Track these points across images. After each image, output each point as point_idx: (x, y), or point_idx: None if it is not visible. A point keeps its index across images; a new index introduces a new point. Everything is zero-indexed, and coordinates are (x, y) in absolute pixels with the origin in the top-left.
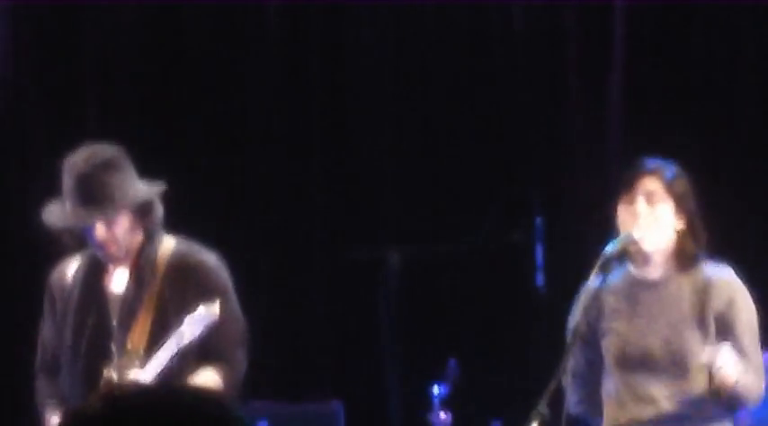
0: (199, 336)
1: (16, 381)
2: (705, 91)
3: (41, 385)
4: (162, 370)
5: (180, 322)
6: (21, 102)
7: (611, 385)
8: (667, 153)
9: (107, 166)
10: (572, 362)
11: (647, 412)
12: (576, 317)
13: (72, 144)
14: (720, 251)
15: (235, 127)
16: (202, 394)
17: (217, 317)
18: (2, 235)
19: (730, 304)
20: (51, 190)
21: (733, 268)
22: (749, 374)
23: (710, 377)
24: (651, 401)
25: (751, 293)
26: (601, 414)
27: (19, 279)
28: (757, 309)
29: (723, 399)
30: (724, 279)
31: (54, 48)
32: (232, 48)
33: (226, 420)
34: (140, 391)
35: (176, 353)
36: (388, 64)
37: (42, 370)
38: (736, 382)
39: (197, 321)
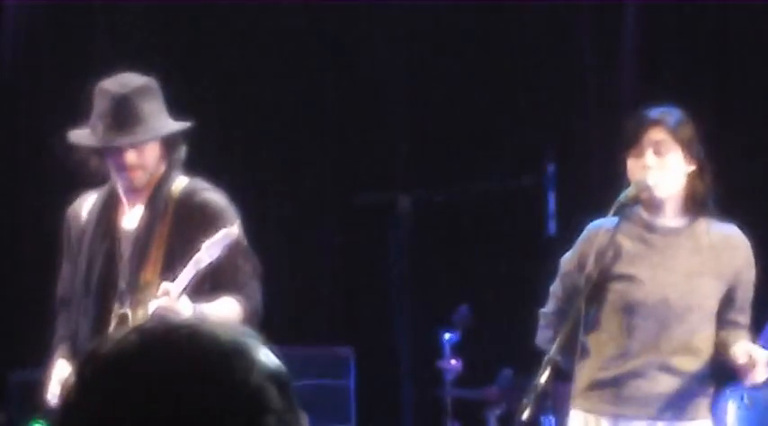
0: (217, 259)
1: (29, 325)
2: (720, 34)
3: (59, 322)
4: (184, 291)
5: (188, 258)
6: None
7: (607, 330)
8: (680, 99)
9: (143, 92)
10: (560, 297)
11: (643, 361)
12: (575, 254)
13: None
14: (728, 212)
15: (245, 76)
16: (232, 327)
17: (236, 237)
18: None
19: (746, 262)
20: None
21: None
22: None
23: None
24: (654, 349)
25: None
26: (573, 355)
27: (30, 222)
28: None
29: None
30: (740, 237)
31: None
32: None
33: (254, 352)
34: (173, 325)
35: (194, 278)
36: (403, 11)
37: (61, 306)
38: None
39: (215, 243)
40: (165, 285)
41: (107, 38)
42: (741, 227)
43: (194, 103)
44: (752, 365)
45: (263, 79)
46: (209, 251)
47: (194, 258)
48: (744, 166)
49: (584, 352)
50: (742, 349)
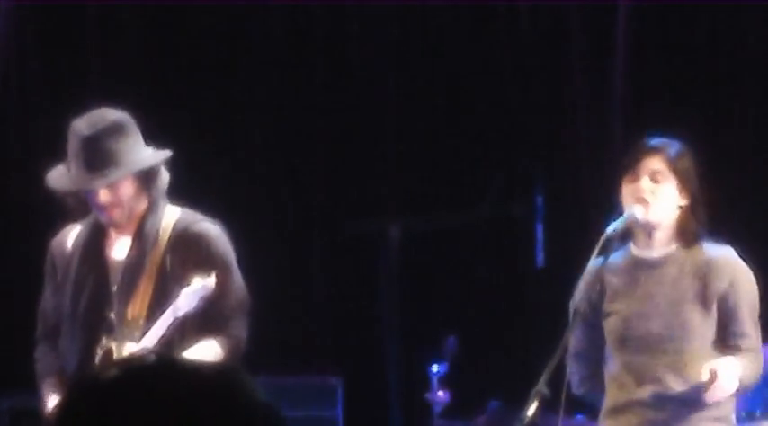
0: (195, 308)
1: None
2: (708, 71)
3: (40, 355)
4: (159, 341)
5: (175, 295)
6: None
7: (612, 365)
8: (669, 131)
9: (113, 130)
10: (574, 342)
11: (647, 393)
12: (577, 296)
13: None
14: (722, 231)
15: (237, 98)
16: (210, 365)
17: (212, 290)
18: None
19: (732, 284)
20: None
21: (735, 248)
22: (747, 363)
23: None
24: (652, 382)
25: (754, 272)
26: (603, 392)
27: (21, 246)
28: (760, 289)
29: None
30: (726, 259)
31: (57, 45)
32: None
33: (238, 389)
34: (151, 361)
35: (173, 324)
36: (393, 31)
37: (42, 339)
38: (735, 390)
39: (192, 293)
40: (145, 341)
41: (99, 42)
42: (739, 234)
43: (185, 128)
44: (711, 381)
45: (253, 104)
46: (186, 299)
47: (172, 306)
48: (739, 168)
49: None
50: (707, 366)
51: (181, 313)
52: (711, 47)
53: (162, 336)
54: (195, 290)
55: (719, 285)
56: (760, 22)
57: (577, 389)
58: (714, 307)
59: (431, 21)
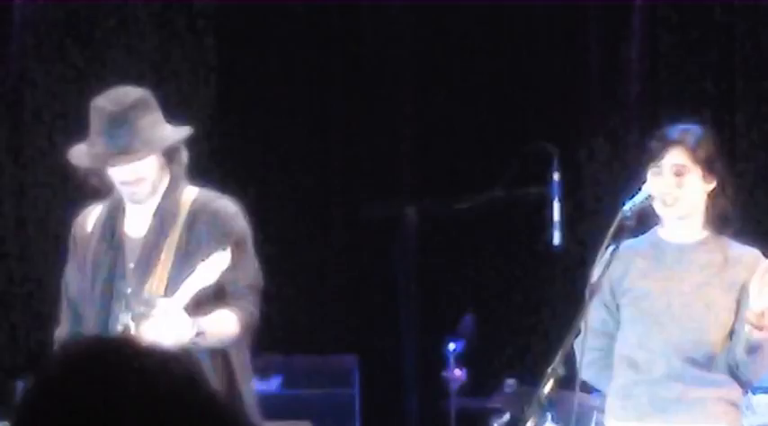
0: (212, 282)
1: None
2: (725, 43)
3: (60, 333)
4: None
5: (193, 270)
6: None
7: (625, 345)
8: (684, 110)
9: (137, 107)
10: (588, 321)
11: (660, 372)
12: (595, 275)
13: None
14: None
15: (254, 82)
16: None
17: (227, 265)
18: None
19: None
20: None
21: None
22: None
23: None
24: (666, 361)
25: None
26: (610, 376)
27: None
28: None
29: (752, 344)
30: (754, 255)
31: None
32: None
33: (199, 377)
34: (102, 350)
35: (191, 298)
36: (411, 16)
37: (68, 305)
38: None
39: (210, 267)
40: (163, 301)
41: (114, 37)
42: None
43: (200, 112)
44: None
45: (270, 89)
46: (204, 273)
47: (191, 278)
48: (747, 167)
49: (612, 365)
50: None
51: (198, 287)
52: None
53: (184, 307)
54: (213, 264)
55: (746, 277)
56: None
57: (585, 370)
58: (735, 298)
59: (449, 7)
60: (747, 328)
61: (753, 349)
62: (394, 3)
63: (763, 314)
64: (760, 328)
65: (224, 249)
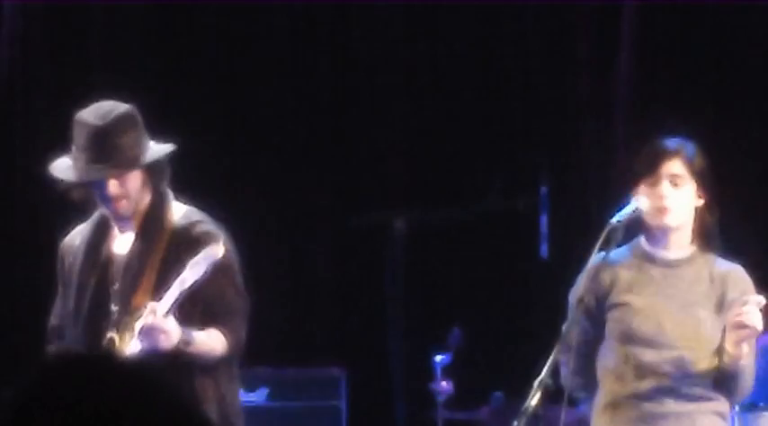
0: (203, 276)
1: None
2: (715, 65)
3: (49, 352)
4: (170, 309)
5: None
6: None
7: (610, 359)
8: (674, 122)
9: (122, 122)
10: (574, 334)
11: (648, 386)
12: (580, 288)
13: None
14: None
15: (240, 93)
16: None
17: (220, 257)
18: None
19: (743, 296)
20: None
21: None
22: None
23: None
24: (654, 376)
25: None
26: (594, 388)
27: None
28: None
29: (729, 371)
30: (740, 273)
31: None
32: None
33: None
34: (84, 365)
35: (179, 298)
36: (398, 28)
37: (52, 337)
38: (760, 331)
39: (200, 261)
40: (152, 304)
41: (103, 40)
42: (743, 235)
43: (190, 122)
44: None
45: (256, 98)
46: (192, 269)
47: (179, 277)
48: (742, 167)
49: (596, 381)
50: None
51: (188, 284)
52: (717, 43)
53: (170, 308)
54: (203, 259)
55: (732, 295)
56: (766, 23)
57: (568, 381)
58: (722, 316)
59: (436, 16)
60: (726, 357)
61: (735, 371)
62: (385, 11)
63: (736, 345)
64: (737, 358)
65: (215, 244)
